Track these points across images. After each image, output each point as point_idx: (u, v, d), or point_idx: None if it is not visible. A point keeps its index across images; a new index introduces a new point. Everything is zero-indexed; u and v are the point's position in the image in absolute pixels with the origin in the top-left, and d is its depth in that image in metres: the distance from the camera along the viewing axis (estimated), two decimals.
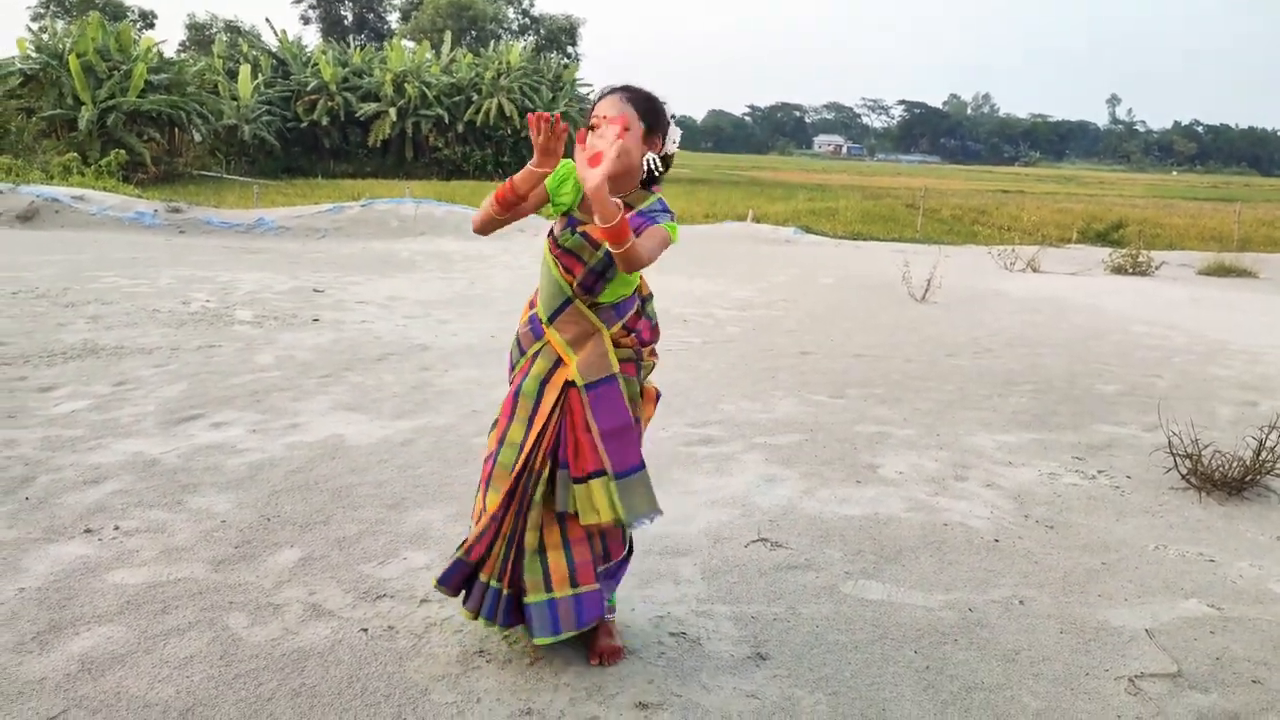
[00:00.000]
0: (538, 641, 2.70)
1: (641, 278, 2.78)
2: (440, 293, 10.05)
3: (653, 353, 2.88)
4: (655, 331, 2.87)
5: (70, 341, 6.74)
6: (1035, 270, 14.58)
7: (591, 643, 2.84)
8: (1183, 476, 4.64)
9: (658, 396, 2.92)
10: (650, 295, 2.87)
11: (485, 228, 2.64)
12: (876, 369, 7.09)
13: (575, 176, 2.62)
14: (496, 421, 2.77)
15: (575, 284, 2.66)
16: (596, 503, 2.63)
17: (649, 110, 2.60)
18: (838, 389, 6.40)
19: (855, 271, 13.69)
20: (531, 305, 2.81)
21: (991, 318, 9.83)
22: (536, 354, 2.73)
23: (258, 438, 4.81)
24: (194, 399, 5.45)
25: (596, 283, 2.65)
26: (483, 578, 2.72)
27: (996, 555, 3.78)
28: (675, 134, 2.69)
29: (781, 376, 6.71)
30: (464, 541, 2.74)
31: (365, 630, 2.96)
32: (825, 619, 3.18)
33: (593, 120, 2.59)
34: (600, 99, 2.63)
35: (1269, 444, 4.57)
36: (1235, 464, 4.53)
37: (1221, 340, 8.95)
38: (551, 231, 2.70)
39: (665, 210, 2.64)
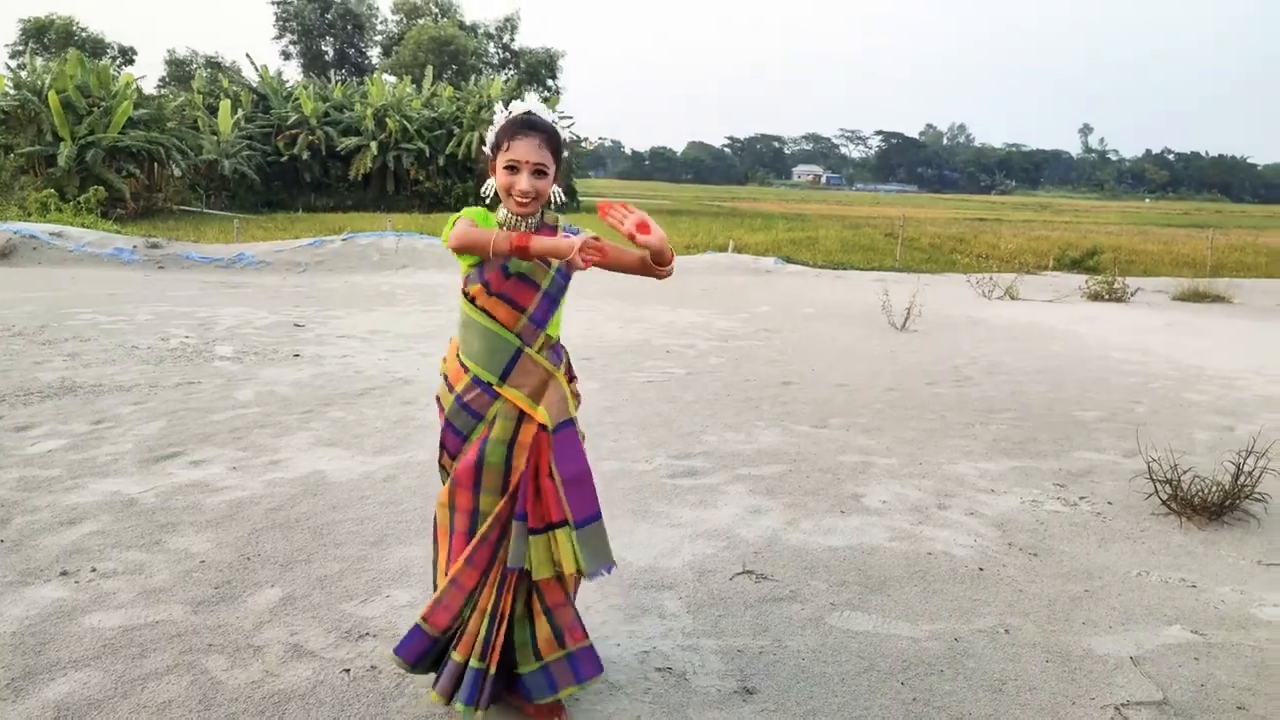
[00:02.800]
0: (538, 701, 2.63)
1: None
2: (422, 325, 10.02)
3: (575, 393, 2.79)
4: (572, 370, 2.84)
5: (47, 380, 6.67)
6: (1013, 298, 14.72)
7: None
8: (1163, 502, 4.67)
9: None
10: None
11: (466, 251, 2.49)
12: (858, 398, 7.11)
13: (485, 215, 2.58)
14: (454, 483, 2.60)
15: (526, 320, 2.57)
16: (559, 554, 2.54)
17: (559, 150, 2.59)
18: (820, 419, 6.42)
19: (835, 301, 13.78)
20: (460, 361, 2.65)
21: (971, 345, 9.90)
22: (495, 416, 2.59)
23: (238, 475, 4.77)
24: (173, 437, 5.40)
25: (548, 310, 2.63)
26: (457, 657, 2.57)
27: (981, 584, 3.78)
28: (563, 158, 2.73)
29: (764, 407, 6.72)
30: (424, 609, 2.61)
31: (348, 671, 2.92)
32: (811, 651, 3.17)
33: (509, 161, 2.51)
34: (513, 138, 2.52)
35: (1246, 468, 4.61)
36: (1214, 489, 4.56)
37: (1197, 365, 9.05)
38: (472, 281, 2.58)
39: (574, 228, 2.68)
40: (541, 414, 2.55)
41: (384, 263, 16.24)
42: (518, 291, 2.58)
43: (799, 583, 3.71)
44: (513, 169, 2.54)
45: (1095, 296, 15.11)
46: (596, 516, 2.60)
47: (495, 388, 2.58)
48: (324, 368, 7.56)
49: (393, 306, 11.57)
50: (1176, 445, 5.75)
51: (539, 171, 2.54)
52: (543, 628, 2.61)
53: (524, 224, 2.60)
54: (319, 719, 2.66)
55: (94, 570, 3.57)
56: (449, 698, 2.57)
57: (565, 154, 2.70)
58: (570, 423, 2.60)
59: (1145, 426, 6.35)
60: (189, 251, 15.99)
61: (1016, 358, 9.19)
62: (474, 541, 2.56)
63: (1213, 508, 4.54)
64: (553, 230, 2.65)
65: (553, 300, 2.62)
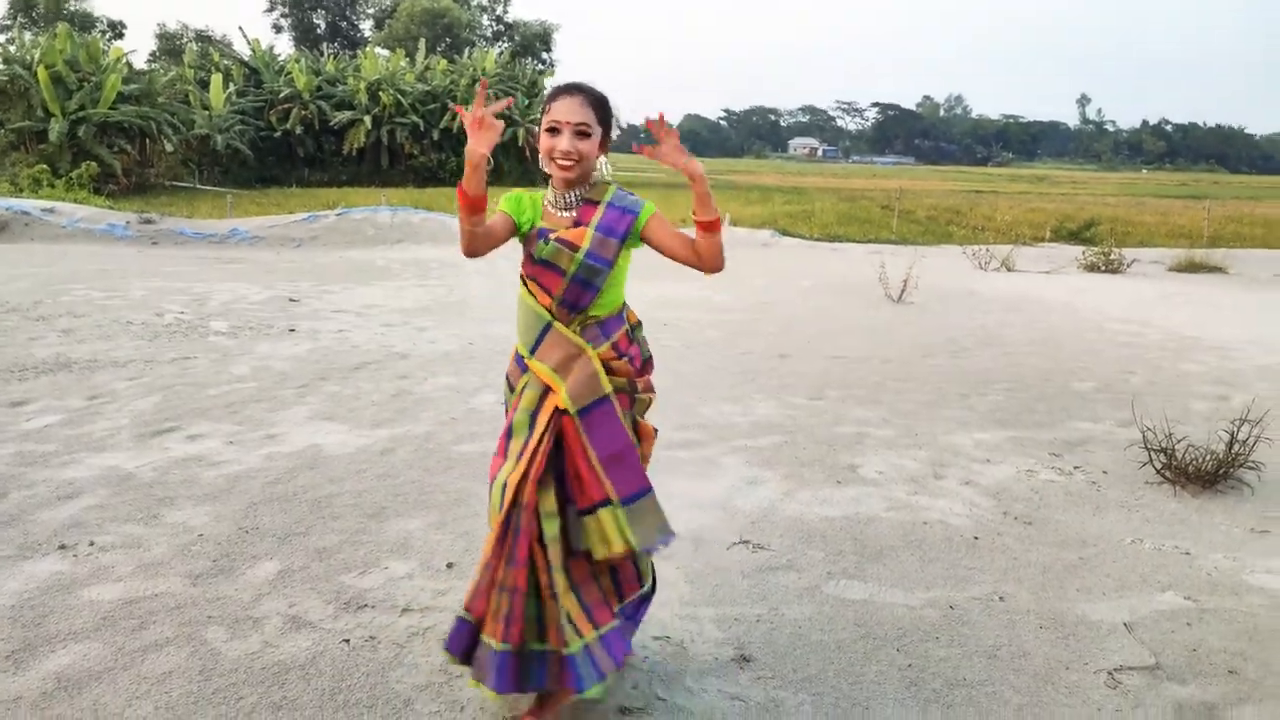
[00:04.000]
0: (590, 695, 2.45)
1: (628, 305, 2.67)
2: (418, 300, 10.00)
3: (649, 387, 2.69)
4: (646, 361, 2.68)
5: (42, 355, 6.66)
6: (1010, 269, 14.71)
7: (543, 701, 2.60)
8: (1157, 471, 4.69)
9: (655, 434, 2.74)
10: (639, 323, 2.72)
11: (472, 245, 2.44)
12: (854, 370, 7.12)
13: (527, 198, 2.57)
14: (495, 455, 2.59)
15: (555, 303, 2.52)
16: (607, 534, 2.46)
17: (604, 113, 2.53)
18: (816, 391, 6.43)
19: (832, 273, 13.76)
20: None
21: (967, 317, 9.90)
22: (525, 387, 2.55)
23: (234, 449, 4.77)
24: (169, 411, 5.40)
25: (582, 294, 2.51)
26: (485, 638, 2.44)
27: (976, 552, 3.80)
28: (616, 130, 2.63)
29: (761, 379, 6.73)
30: (464, 598, 2.52)
31: (347, 641, 2.94)
32: (808, 619, 3.19)
33: (550, 123, 2.47)
34: (555, 100, 2.49)
35: (1241, 437, 4.63)
36: (1209, 458, 4.58)
37: (1193, 336, 9.06)
38: (525, 260, 2.57)
39: (630, 196, 2.58)
40: (562, 396, 2.46)
41: (379, 237, 16.17)
42: (544, 276, 2.52)
43: (795, 552, 3.73)
44: (554, 130, 2.46)
45: (1091, 268, 15.10)
46: (644, 491, 2.52)
47: (525, 360, 2.55)
48: (319, 342, 7.55)
49: (388, 281, 11.54)
50: (1171, 414, 5.77)
51: (581, 132, 2.45)
52: (574, 604, 2.48)
53: (571, 198, 2.53)
54: (318, 689, 2.68)
55: (92, 544, 3.58)
56: (482, 682, 2.44)
57: (616, 125, 2.59)
58: (604, 400, 2.49)
59: (1140, 396, 6.37)
60: (182, 227, 15.91)
61: (1012, 329, 9.19)
62: (490, 511, 2.50)
63: (1207, 476, 4.56)
64: (594, 205, 2.52)
65: (584, 284, 2.50)
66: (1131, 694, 2.80)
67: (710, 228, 2.44)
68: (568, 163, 2.45)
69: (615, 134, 2.62)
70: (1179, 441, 4.75)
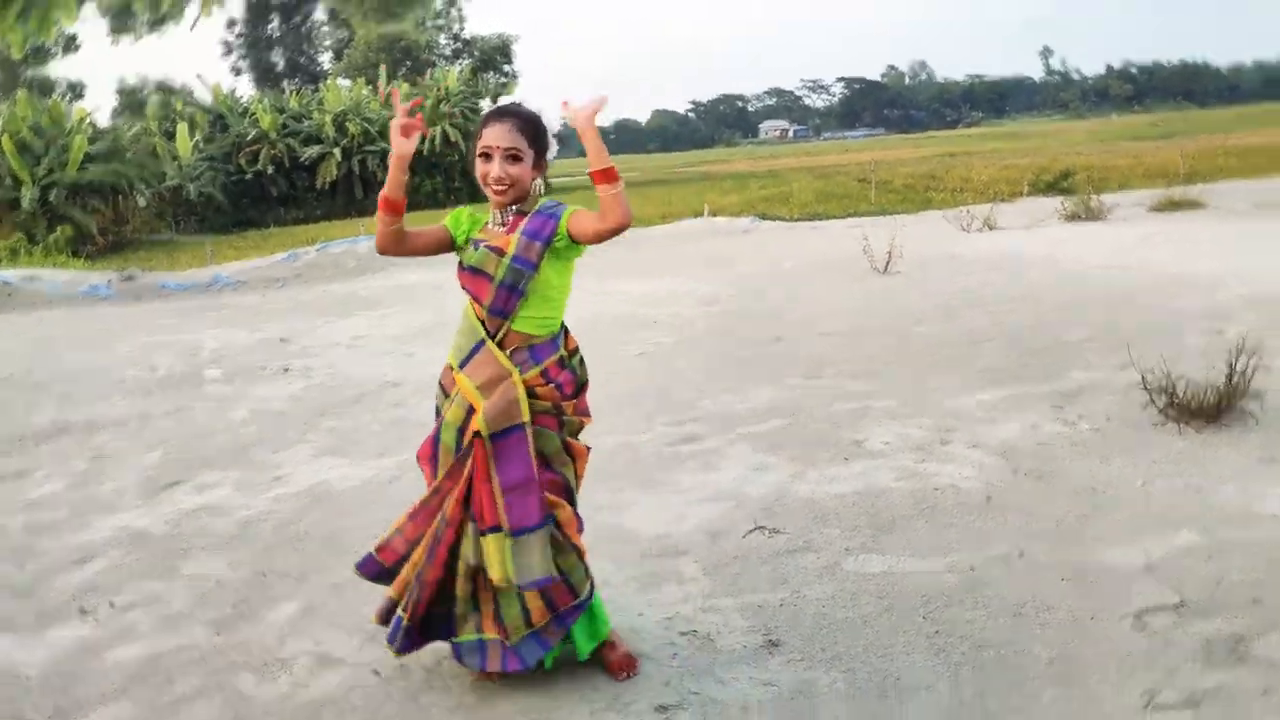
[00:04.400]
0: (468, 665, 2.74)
1: (568, 332, 2.73)
2: (406, 326, 9.99)
3: (582, 410, 2.77)
4: (580, 388, 2.74)
5: (40, 423, 6.64)
6: (992, 228, 14.73)
7: (605, 660, 2.80)
8: (1160, 410, 4.71)
9: (588, 452, 2.80)
10: (576, 349, 2.77)
11: (383, 242, 2.66)
12: (848, 345, 7.14)
13: (468, 214, 2.74)
14: (419, 454, 2.83)
15: (486, 312, 2.61)
16: (492, 560, 2.55)
17: (536, 136, 2.61)
18: (813, 370, 6.44)
19: (815, 252, 13.77)
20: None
21: (954, 280, 9.92)
22: (454, 397, 2.68)
23: (243, 495, 4.77)
24: (174, 464, 5.39)
25: (509, 300, 2.58)
26: (392, 594, 2.74)
27: (990, 513, 3.82)
28: (553, 149, 2.71)
29: (756, 365, 6.74)
30: (379, 539, 2.79)
31: (377, 672, 2.94)
32: (831, 598, 3.20)
33: (482, 149, 2.59)
34: (486, 125, 2.62)
35: (1239, 368, 4.65)
36: (1210, 392, 4.61)
37: (1180, 274, 9.09)
38: (458, 269, 2.72)
39: (557, 204, 2.66)
40: (479, 415, 2.56)
41: (361, 268, 16.14)
42: (473, 283, 2.64)
43: (811, 532, 3.74)
44: (486, 156, 2.59)
45: (1073, 217, 15.13)
46: (534, 527, 2.54)
47: (453, 372, 2.68)
48: (314, 379, 7.54)
49: (374, 311, 11.52)
50: (1167, 354, 5.78)
51: (512, 157, 2.57)
52: (511, 607, 2.65)
53: (508, 214, 2.65)
54: None
55: (112, 604, 3.58)
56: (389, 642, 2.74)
57: (551, 145, 2.68)
58: (518, 428, 2.55)
59: (1134, 339, 6.39)
60: (164, 280, 15.87)
61: (1001, 287, 9.21)
62: (418, 503, 2.72)
63: (1209, 411, 4.59)
64: (524, 215, 2.64)
65: (511, 289, 2.57)
66: (1160, 634, 2.82)
67: (606, 177, 2.46)
68: (500, 187, 2.59)
69: (552, 155, 2.70)
70: (1178, 380, 4.77)
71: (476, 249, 2.64)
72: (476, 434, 2.56)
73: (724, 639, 2.99)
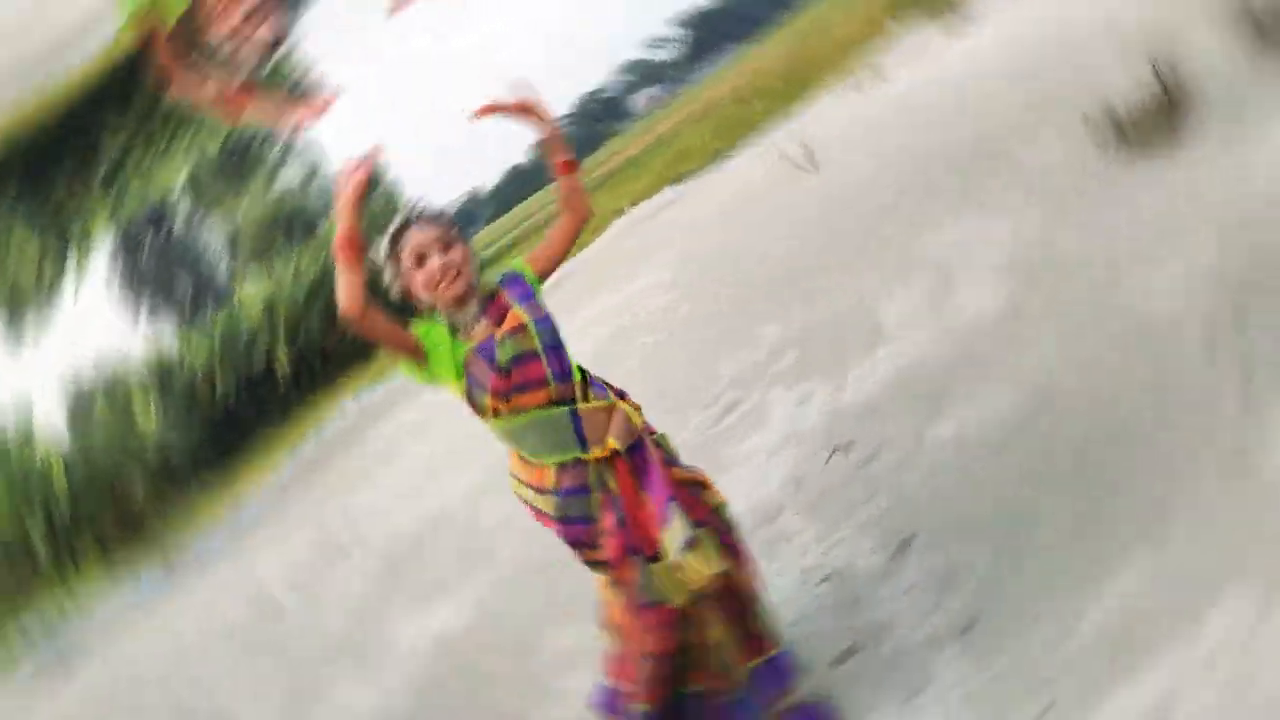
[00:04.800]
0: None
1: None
2: (429, 463, 9.95)
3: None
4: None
5: None
6: (886, 81, 14.61)
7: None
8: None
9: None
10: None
11: (352, 300, 2.27)
12: (821, 254, 7.08)
13: (447, 348, 2.40)
14: (613, 564, 2.54)
15: (555, 385, 2.41)
16: (707, 556, 2.41)
17: (449, 222, 2.46)
18: (802, 293, 6.41)
19: (740, 188, 13.64)
20: (528, 461, 2.49)
21: (878, 138, 9.86)
22: (600, 480, 2.46)
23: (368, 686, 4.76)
24: (298, 693, 5.38)
25: (561, 357, 2.46)
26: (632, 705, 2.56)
27: (1022, 323, 3.83)
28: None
29: (748, 316, 6.71)
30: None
31: None
32: (933, 480, 3.23)
33: (412, 256, 2.37)
34: (400, 238, 2.39)
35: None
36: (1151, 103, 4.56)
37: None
38: (478, 396, 2.41)
39: (505, 272, 2.56)
40: (611, 441, 2.42)
41: (356, 428, 16.09)
42: (525, 371, 2.39)
43: (880, 429, 3.76)
44: (421, 259, 2.36)
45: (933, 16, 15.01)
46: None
47: (582, 458, 2.43)
48: (357, 559, 7.52)
49: (390, 464, 11.47)
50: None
51: (446, 245, 2.39)
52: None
53: (473, 306, 2.44)
54: None
55: None
56: None
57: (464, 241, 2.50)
58: (639, 444, 2.49)
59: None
60: (158, 584, 15.64)
61: (930, 117, 9.17)
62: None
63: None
64: (492, 297, 2.47)
65: (554, 348, 2.45)
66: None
67: (569, 168, 2.46)
68: (453, 272, 2.38)
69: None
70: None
71: (501, 344, 2.38)
72: (616, 453, 2.43)
73: (857, 565, 3.01)
